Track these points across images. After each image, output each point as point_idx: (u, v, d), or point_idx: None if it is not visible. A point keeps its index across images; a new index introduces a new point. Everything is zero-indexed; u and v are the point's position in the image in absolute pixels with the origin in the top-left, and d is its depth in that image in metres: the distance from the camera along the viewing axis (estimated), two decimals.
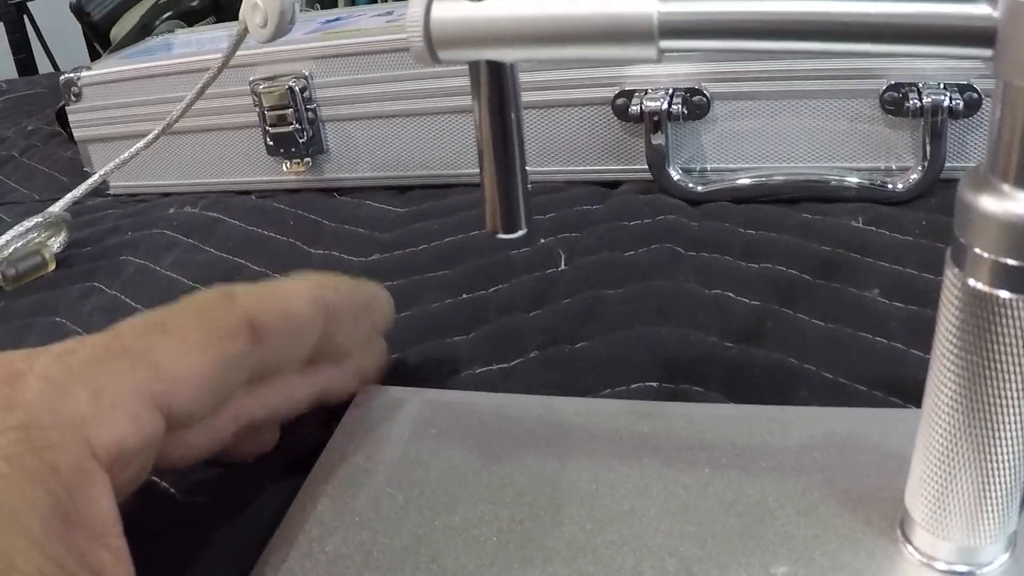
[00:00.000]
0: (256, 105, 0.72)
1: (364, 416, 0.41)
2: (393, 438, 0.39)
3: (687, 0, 0.24)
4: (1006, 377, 0.24)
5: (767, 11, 0.24)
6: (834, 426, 0.36)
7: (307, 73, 0.70)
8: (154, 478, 0.41)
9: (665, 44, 0.25)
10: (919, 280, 0.49)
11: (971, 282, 0.24)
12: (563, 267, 0.55)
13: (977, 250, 0.24)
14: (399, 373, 0.46)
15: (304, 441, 0.41)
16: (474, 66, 0.27)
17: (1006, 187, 0.23)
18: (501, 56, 0.27)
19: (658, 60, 0.25)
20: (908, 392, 0.40)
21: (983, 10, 0.22)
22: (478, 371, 0.46)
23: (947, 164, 0.59)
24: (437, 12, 0.26)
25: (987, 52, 0.22)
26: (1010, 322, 0.24)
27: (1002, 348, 0.24)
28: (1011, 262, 0.23)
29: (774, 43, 0.24)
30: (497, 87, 0.27)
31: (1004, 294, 0.23)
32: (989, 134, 0.23)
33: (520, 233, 0.30)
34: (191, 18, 1.10)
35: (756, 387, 0.42)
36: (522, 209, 0.30)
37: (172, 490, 0.40)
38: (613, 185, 0.67)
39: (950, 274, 0.25)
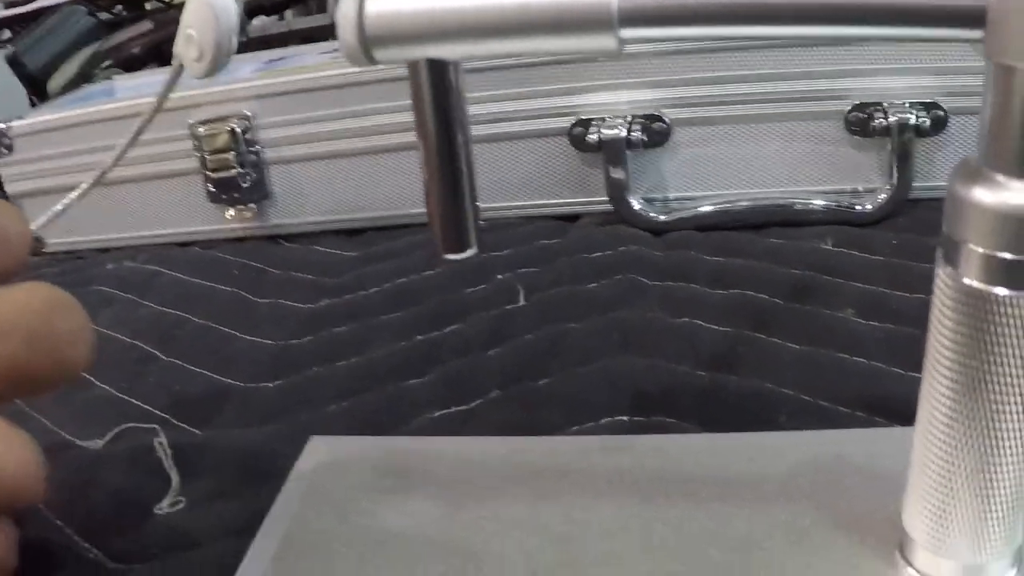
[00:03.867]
0: (196, 149, 0.70)
1: (313, 469, 0.38)
2: (346, 491, 0.36)
3: None
4: (1006, 381, 0.23)
5: None
6: (818, 450, 0.35)
7: (249, 113, 0.68)
8: (84, 543, 0.38)
9: (626, 33, 0.23)
10: (893, 298, 0.48)
11: (966, 280, 0.23)
12: (522, 303, 0.53)
13: (971, 246, 0.23)
14: (350, 422, 0.44)
15: (251, 496, 0.38)
16: (414, 66, 0.25)
17: (1000, 177, 0.22)
18: (444, 54, 0.25)
19: (618, 51, 0.23)
20: (892, 411, 0.39)
21: None
22: (436, 415, 0.44)
23: (915, 184, 0.59)
24: (372, 6, 0.24)
25: (977, 33, 0.21)
26: (1008, 321, 0.23)
27: (1001, 350, 0.23)
28: (1008, 256, 0.22)
29: (746, 28, 0.23)
30: (441, 90, 0.25)
31: (1001, 291, 0.22)
32: (980, 123, 0.22)
33: (470, 252, 0.28)
34: (133, 66, 1.08)
35: (732, 415, 0.40)
36: (471, 226, 0.27)
37: (103, 556, 0.37)
38: (573, 219, 0.66)
39: (942, 274, 0.24)
